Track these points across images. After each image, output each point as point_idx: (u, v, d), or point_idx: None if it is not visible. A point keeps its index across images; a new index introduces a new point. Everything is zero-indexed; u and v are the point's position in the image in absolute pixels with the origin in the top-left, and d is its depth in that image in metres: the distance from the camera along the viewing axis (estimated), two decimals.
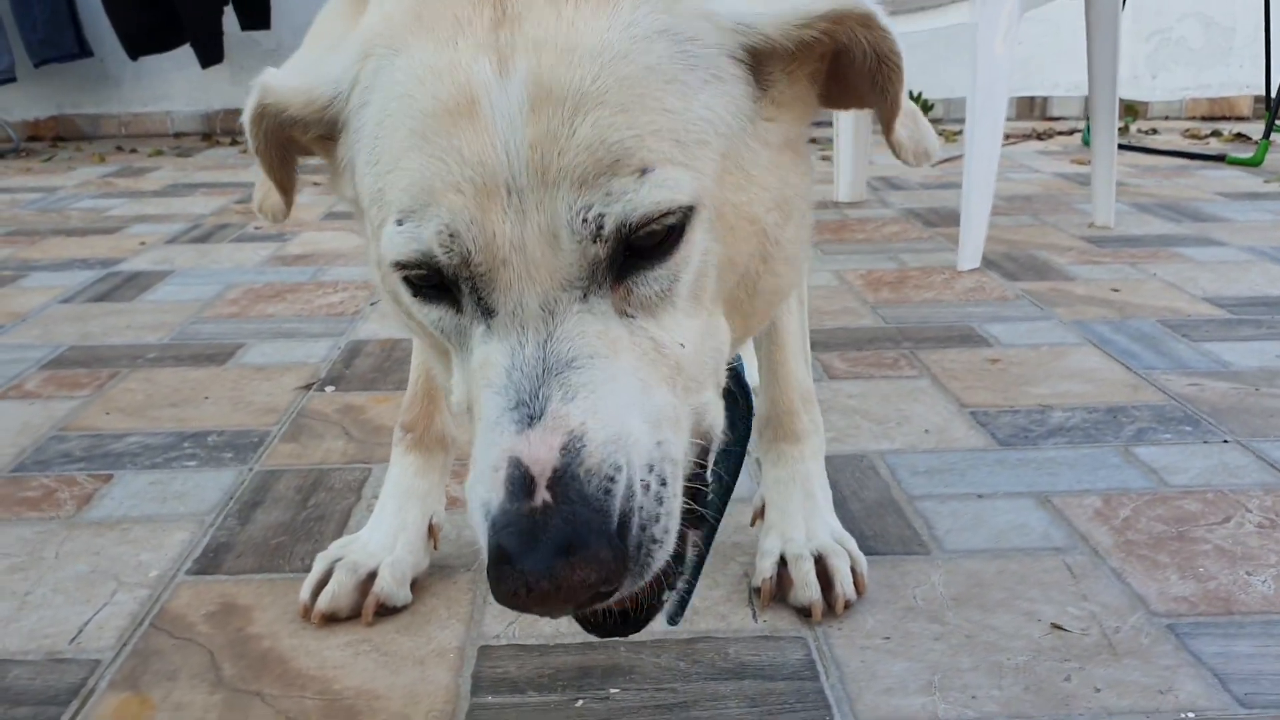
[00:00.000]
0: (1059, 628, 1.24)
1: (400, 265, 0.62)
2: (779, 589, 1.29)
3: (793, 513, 1.34)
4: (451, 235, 0.59)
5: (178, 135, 5.73)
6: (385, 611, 1.29)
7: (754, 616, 1.27)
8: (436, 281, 0.63)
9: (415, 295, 0.64)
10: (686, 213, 0.64)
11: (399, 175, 0.60)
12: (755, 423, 1.39)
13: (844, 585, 1.27)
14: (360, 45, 0.68)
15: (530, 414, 0.58)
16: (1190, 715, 1.09)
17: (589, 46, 0.59)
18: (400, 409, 1.40)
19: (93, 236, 3.37)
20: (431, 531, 1.37)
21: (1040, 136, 5.13)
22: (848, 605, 1.27)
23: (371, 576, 1.29)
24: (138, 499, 1.59)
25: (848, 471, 1.63)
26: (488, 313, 0.62)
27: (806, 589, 1.26)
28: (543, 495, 0.56)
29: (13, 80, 5.24)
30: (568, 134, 0.58)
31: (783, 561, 1.30)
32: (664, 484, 0.62)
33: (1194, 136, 5.02)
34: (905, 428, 1.79)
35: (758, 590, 1.30)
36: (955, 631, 1.23)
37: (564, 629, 1.25)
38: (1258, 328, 2.26)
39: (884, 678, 1.16)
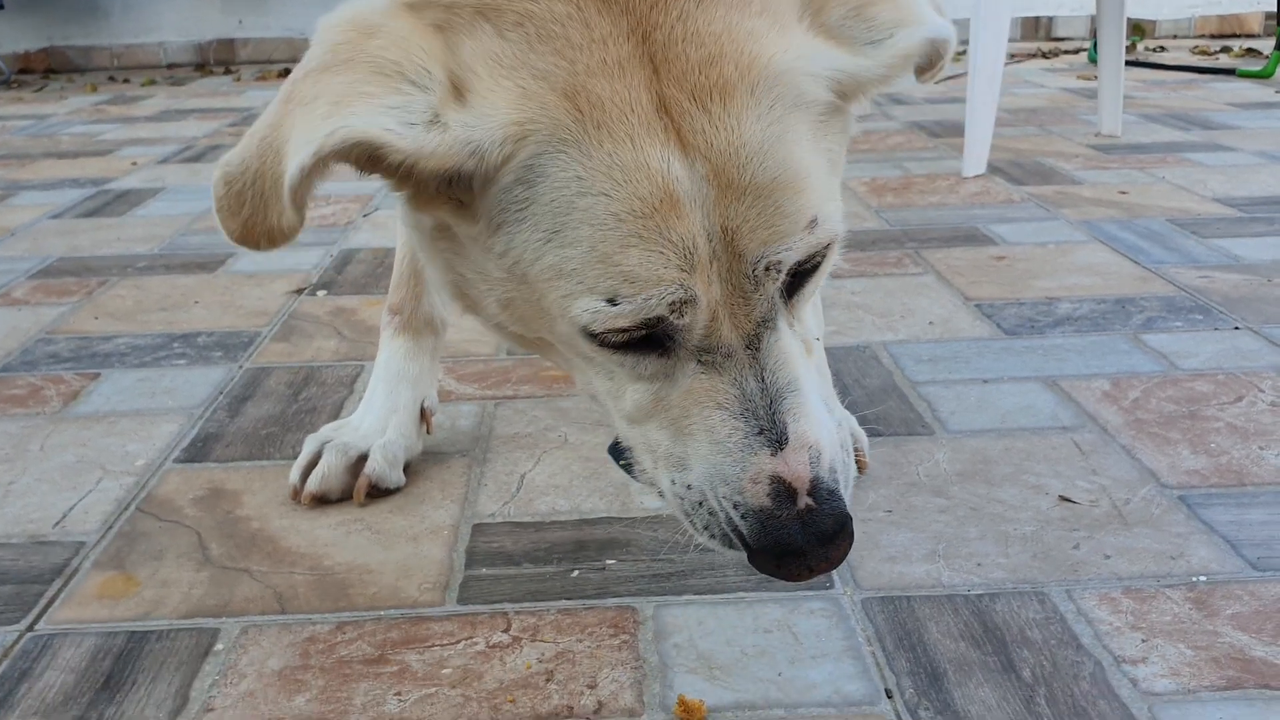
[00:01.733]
0: (1067, 499, 1.20)
1: (612, 331, 0.71)
2: None
3: None
4: (684, 303, 0.69)
5: (171, 66, 5.65)
6: (377, 493, 1.26)
7: None
8: (643, 337, 0.73)
9: (614, 349, 0.74)
10: (835, 238, 0.76)
11: (613, 264, 0.68)
12: None
13: (845, 474, 1.24)
14: (506, 120, 0.68)
15: (775, 438, 0.72)
16: (1202, 578, 1.06)
17: (749, 144, 0.69)
18: (388, 292, 1.37)
19: (84, 158, 3.32)
20: (424, 415, 1.33)
21: (1046, 55, 5.04)
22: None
23: (362, 459, 1.26)
24: (125, 394, 1.56)
25: (850, 361, 1.60)
26: (703, 351, 0.73)
27: None
28: (805, 500, 0.72)
29: (0, 9, 5.15)
30: (753, 216, 0.69)
31: None
32: (845, 449, 0.79)
33: (1203, 53, 4.93)
34: (909, 320, 1.76)
35: None
36: (960, 504, 1.20)
37: (560, 506, 1.22)
38: (1269, 224, 2.21)
39: (886, 547, 1.13)
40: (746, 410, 0.72)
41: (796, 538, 0.71)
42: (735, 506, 0.74)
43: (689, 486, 0.77)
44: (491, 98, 0.68)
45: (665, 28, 0.68)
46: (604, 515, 1.20)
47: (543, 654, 0.98)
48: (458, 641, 1.00)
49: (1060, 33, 5.63)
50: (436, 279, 0.86)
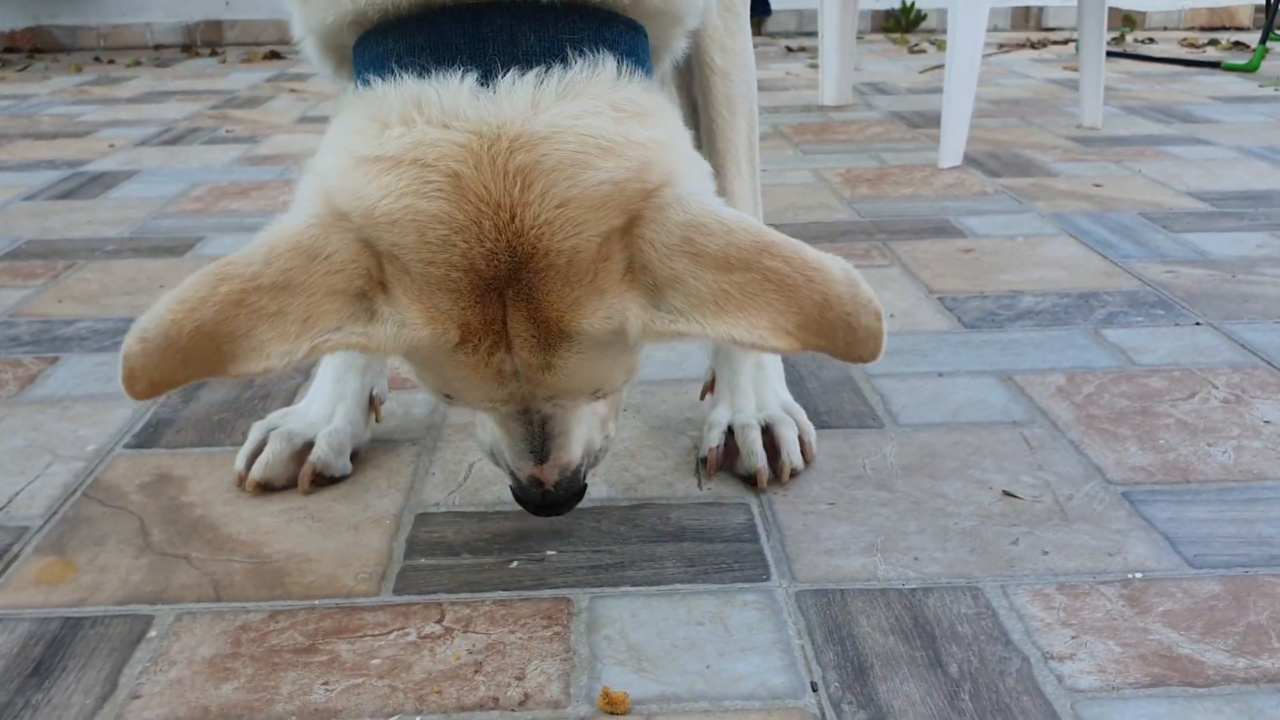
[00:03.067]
0: (1010, 495, 1.21)
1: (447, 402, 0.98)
2: (726, 458, 1.26)
3: (742, 384, 1.31)
4: (494, 409, 0.97)
5: (157, 47, 5.63)
6: (323, 481, 1.26)
7: (699, 485, 1.24)
8: None
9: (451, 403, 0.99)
10: (624, 386, 1.01)
11: (455, 391, 0.94)
12: None
13: (791, 453, 1.24)
14: (422, 334, 0.87)
15: (541, 457, 1.00)
16: (1138, 575, 1.06)
17: (556, 368, 0.91)
18: None
19: (62, 140, 3.31)
20: (373, 403, 1.33)
21: (1034, 45, 5.03)
22: (794, 474, 1.24)
23: (308, 446, 1.26)
24: (82, 379, 1.56)
25: (806, 353, 1.59)
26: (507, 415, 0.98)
27: (752, 457, 1.23)
28: (549, 489, 1.03)
29: None
30: (551, 390, 0.93)
31: (730, 431, 1.27)
32: (601, 452, 1.09)
33: (1191, 45, 4.92)
34: None
35: (704, 460, 1.27)
36: (902, 498, 1.20)
37: (506, 496, 1.22)
38: (1239, 220, 2.21)
39: (825, 540, 1.13)
40: (526, 439, 0.99)
41: (537, 501, 1.05)
42: (508, 468, 1.05)
43: (483, 441, 1.08)
44: (411, 313, 0.86)
45: (517, 289, 0.85)
46: None
47: (473, 645, 0.98)
48: (389, 632, 1.00)
49: (1050, 23, 5.62)
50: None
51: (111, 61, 5.19)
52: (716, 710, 0.89)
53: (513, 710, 0.90)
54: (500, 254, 0.83)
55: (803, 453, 1.26)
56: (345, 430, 1.28)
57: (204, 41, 5.63)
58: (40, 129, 3.50)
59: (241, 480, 1.25)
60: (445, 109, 0.83)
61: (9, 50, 5.50)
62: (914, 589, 1.05)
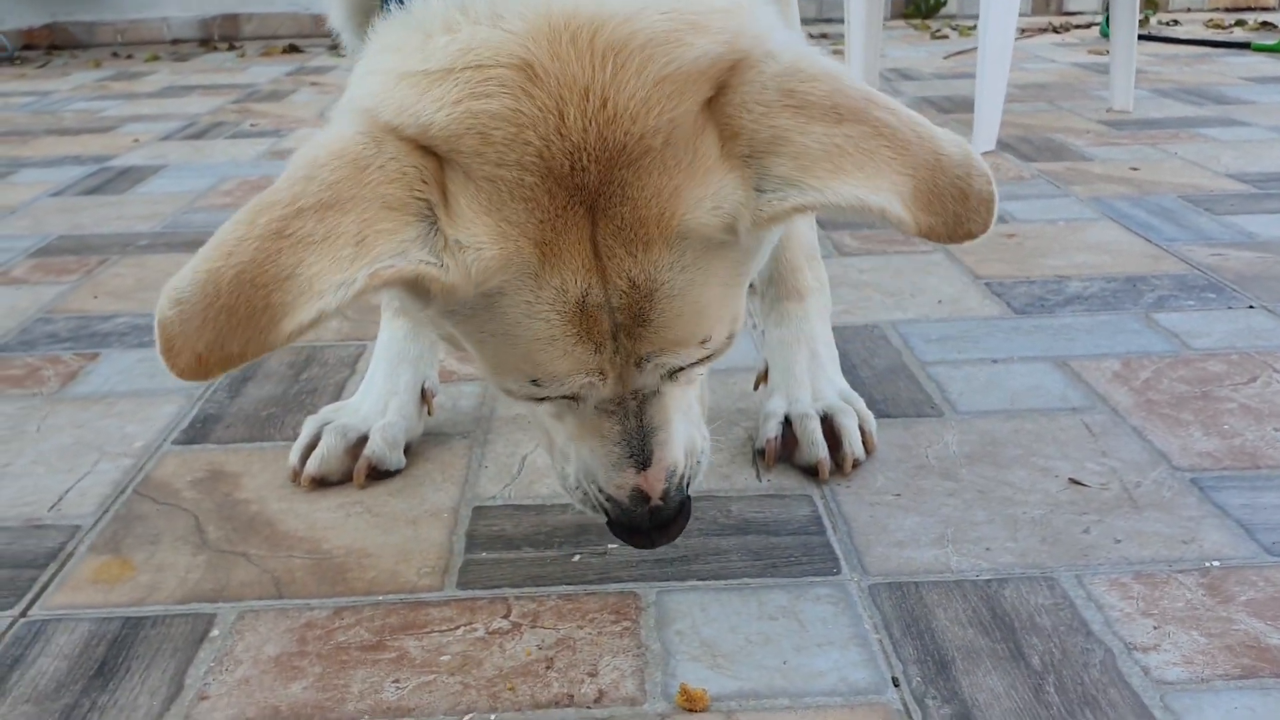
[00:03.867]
0: (1077, 483, 1.18)
1: (530, 399, 0.87)
2: (784, 450, 1.24)
3: (798, 373, 1.29)
4: (589, 388, 0.83)
5: (175, 42, 5.61)
6: (377, 475, 1.24)
7: (758, 477, 1.22)
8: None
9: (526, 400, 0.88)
10: (729, 342, 0.87)
11: (539, 364, 0.80)
12: (757, 285, 1.34)
13: (852, 443, 1.22)
14: (491, 255, 0.75)
15: (642, 461, 0.88)
16: (1215, 563, 1.04)
17: (658, 289, 0.78)
18: None
19: (86, 135, 3.30)
20: (425, 396, 1.32)
21: (1057, 30, 4.99)
22: (856, 464, 1.22)
23: (362, 440, 1.25)
24: (125, 375, 1.55)
25: (858, 341, 1.57)
26: (598, 403, 0.87)
27: (813, 448, 1.21)
28: (656, 502, 0.90)
29: None
30: (651, 334, 0.80)
31: (787, 422, 1.24)
32: (703, 454, 0.96)
33: (1217, 26, 4.87)
34: (918, 299, 1.73)
35: (761, 452, 1.25)
36: (968, 487, 1.18)
37: (560, 490, 1.20)
38: None
39: (894, 531, 1.11)
40: (623, 439, 0.88)
41: (643, 524, 0.91)
42: (602, 495, 0.92)
43: (567, 475, 0.95)
44: (476, 230, 0.74)
45: (607, 196, 0.74)
46: None
47: (543, 640, 0.96)
48: (457, 628, 0.99)
49: (1071, 7, 5.57)
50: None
51: (130, 57, 5.18)
52: (798, 707, 0.88)
53: (589, 708, 0.88)
54: (588, 150, 0.72)
55: (864, 443, 1.24)
56: (399, 424, 1.27)
57: (221, 36, 5.61)
58: (64, 125, 3.49)
59: (296, 476, 1.24)
60: (495, 5, 0.74)
61: (27, 47, 5.49)
62: (989, 580, 1.03)
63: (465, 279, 0.74)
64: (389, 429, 1.25)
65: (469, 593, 1.04)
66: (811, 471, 1.21)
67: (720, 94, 0.75)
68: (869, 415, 1.27)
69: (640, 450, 0.88)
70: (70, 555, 1.12)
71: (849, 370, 1.46)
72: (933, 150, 0.74)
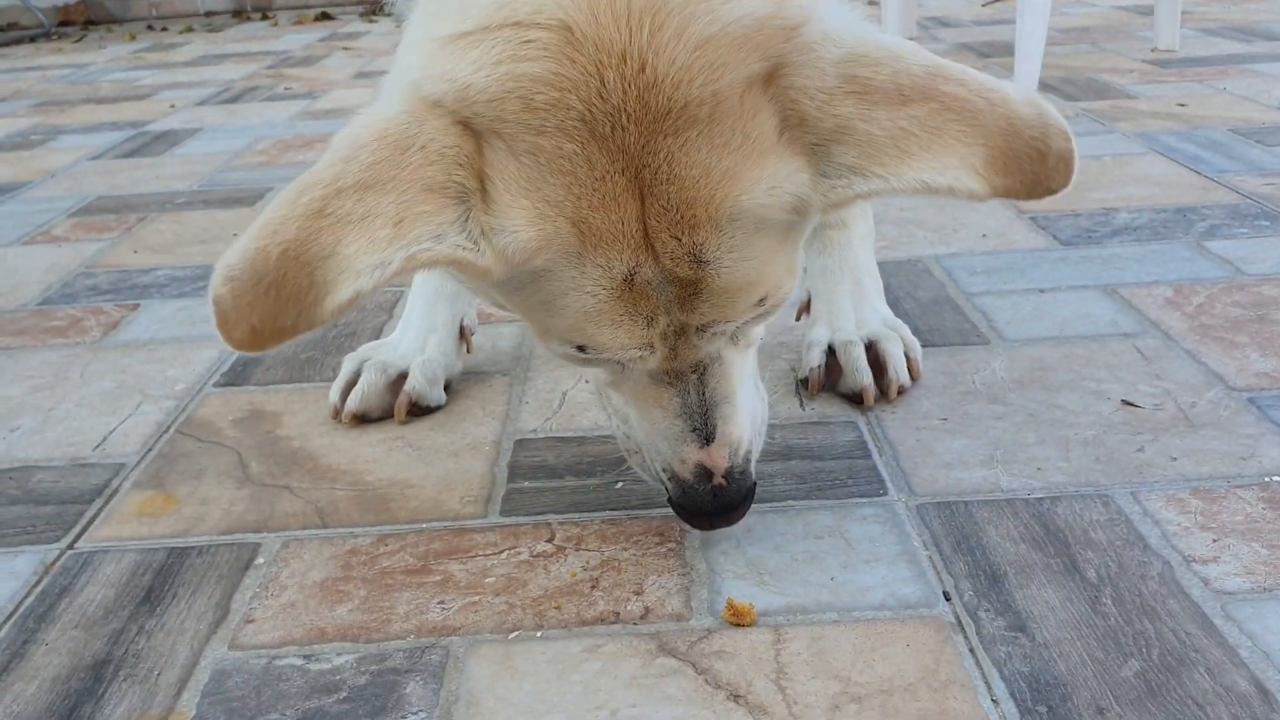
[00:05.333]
0: (1130, 404, 1.16)
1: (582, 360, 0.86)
2: (827, 379, 1.22)
3: (840, 302, 1.26)
4: (640, 359, 0.83)
5: (208, 14, 5.63)
6: (418, 411, 1.24)
7: (801, 405, 1.21)
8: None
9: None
10: (787, 297, 0.85)
11: (588, 334, 0.80)
12: None
13: (897, 369, 1.20)
14: (527, 238, 0.75)
15: (705, 435, 0.86)
16: (1275, 479, 1.01)
17: (711, 264, 0.77)
18: None
19: (122, 103, 3.32)
20: (463, 334, 1.31)
21: None
22: (901, 391, 1.20)
23: (402, 377, 1.24)
24: (165, 323, 1.55)
25: (902, 275, 1.55)
26: (653, 374, 0.86)
27: (857, 374, 1.19)
28: (719, 480, 0.87)
29: None
30: (706, 307, 0.79)
31: (831, 351, 1.22)
32: (763, 423, 0.94)
33: None
34: (962, 233, 1.70)
35: (804, 381, 1.23)
36: (1017, 411, 1.16)
37: (601, 421, 1.19)
38: None
39: (942, 454, 1.09)
40: (684, 413, 0.86)
41: (707, 505, 0.88)
42: (664, 470, 0.90)
43: (629, 437, 0.93)
44: (512, 213, 0.74)
45: (653, 168, 0.73)
46: None
47: (587, 562, 0.95)
48: (501, 551, 0.98)
49: None
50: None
51: (164, 29, 5.20)
52: (846, 621, 0.86)
53: (634, 623, 0.87)
54: (628, 113, 0.71)
55: (909, 370, 1.22)
56: (438, 360, 1.26)
57: (254, 6, 5.62)
58: (100, 94, 3.51)
59: (337, 413, 1.23)
60: None
61: (64, 23, 5.52)
62: (1040, 498, 1.00)
63: (501, 262, 0.75)
64: (428, 365, 1.25)
65: (512, 519, 1.03)
66: (856, 399, 1.19)
67: (776, 76, 0.74)
68: (914, 342, 1.24)
69: (703, 425, 0.86)
70: (115, 491, 1.12)
71: (893, 303, 1.43)
72: (1005, 115, 0.73)
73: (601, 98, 0.71)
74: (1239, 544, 0.92)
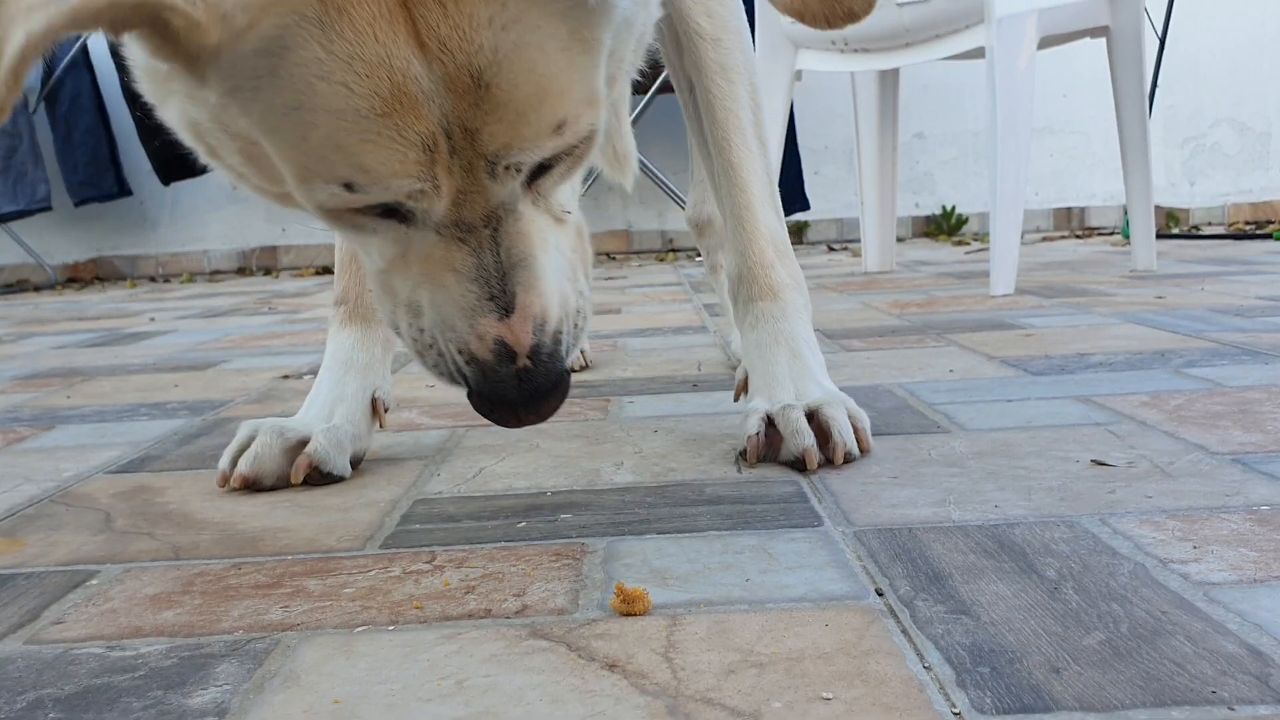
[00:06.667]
0: (1101, 463, 1.04)
1: (349, 210, 0.72)
2: (767, 448, 1.10)
3: (777, 373, 1.17)
4: (421, 193, 0.69)
5: (214, 272, 5.77)
6: (318, 479, 1.11)
7: (738, 470, 1.09)
8: (381, 211, 0.73)
9: (352, 217, 0.74)
10: (591, 134, 0.74)
11: (351, 156, 0.67)
12: (727, 287, 1.24)
13: (842, 433, 1.08)
14: None
15: (504, 305, 0.74)
16: (1266, 507, 0.88)
17: (484, 49, 0.65)
18: (333, 286, 1.26)
19: (105, 319, 3.32)
20: (376, 408, 1.20)
21: (1079, 236, 5.01)
22: (849, 459, 1.08)
23: (303, 443, 1.13)
24: (76, 437, 1.45)
25: (861, 394, 1.45)
26: (443, 226, 0.73)
27: (797, 436, 1.08)
28: (524, 362, 0.76)
29: (48, 209, 5.31)
30: (492, 121, 0.67)
31: (770, 421, 1.11)
32: (580, 315, 0.82)
33: (1238, 232, 4.87)
34: (928, 370, 1.62)
35: (743, 453, 1.12)
36: (976, 471, 1.04)
37: (518, 485, 1.07)
38: None
39: (888, 499, 0.96)
40: (480, 277, 0.74)
41: (511, 392, 0.77)
42: (460, 353, 0.77)
43: (422, 330, 0.79)
44: None
45: None
46: (566, 489, 1.05)
47: (466, 576, 0.82)
48: (369, 570, 0.84)
49: (1093, 222, 5.62)
50: (173, 120, 0.78)
51: (167, 280, 5.32)
52: (758, 611, 0.72)
53: (507, 618, 0.73)
54: None
55: (858, 441, 1.10)
56: (345, 429, 1.15)
57: (259, 265, 5.77)
58: (86, 314, 3.52)
59: (225, 480, 1.11)
60: None
61: (71, 280, 5.66)
62: (996, 524, 0.87)
63: (217, 21, 0.62)
64: (334, 431, 1.14)
65: (390, 550, 0.90)
66: (798, 466, 1.07)
67: None
68: (861, 413, 1.13)
69: (501, 291, 0.75)
70: None
71: None
72: None
73: None
74: (1225, 549, 0.79)
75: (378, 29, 0.63)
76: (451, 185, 0.70)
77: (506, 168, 0.71)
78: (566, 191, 0.82)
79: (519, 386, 0.76)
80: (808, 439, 1.07)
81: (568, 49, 0.69)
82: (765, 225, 1.21)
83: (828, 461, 1.07)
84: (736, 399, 1.24)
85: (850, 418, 1.11)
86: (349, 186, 0.68)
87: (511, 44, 0.66)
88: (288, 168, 0.70)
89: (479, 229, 0.73)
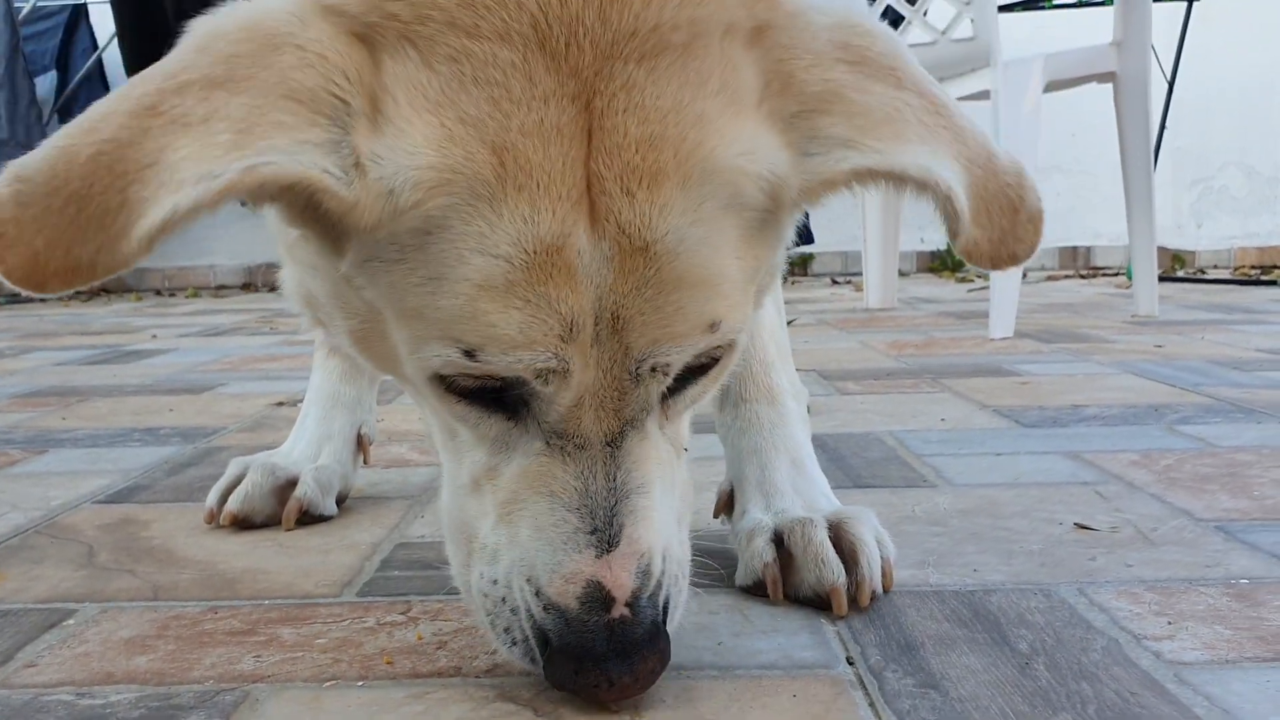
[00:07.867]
0: (1085, 527, 1.04)
1: (462, 376, 0.64)
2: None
3: (778, 481, 0.94)
4: (552, 372, 0.61)
5: (219, 287, 5.80)
6: (308, 521, 1.11)
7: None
8: (495, 390, 0.65)
9: (460, 396, 0.66)
10: (737, 341, 0.67)
11: (487, 321, 0.60)
12: (717, 398, 1.03)
13: (870, 565, 0.85)
14: (425, 164, 0.58)
15: (607, 540, 0.63)
16: (1244, 580, 0.88)
17: (665, 239, 0.60)
18: None
19: (108, 334, 3.33)
20: (361, 444, 1.21)
21: (1083, 276, 5.02)
22: (874, 598, 0.84)
23: (291, 483, 1.13)
24: (68, 462, 1.45)
25: (850, 443, 1.45)
26: (555, 435, 0.65)
27: (822, 568, 0.84)
28: (621, 610, 0.63)
29: None
30: (650, 310, 0.61)
31: (778, 539, 0.88)
32: (683, 574, 0.70)
33: (1244, 273, 4.88)
34: (920, 418, 1.62)
35: (748, 588, 0.88)
36: (958, 530, 1.04)
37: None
38: None
39: None
40: (582, 506, 0.65)
41: (601, 644, 0.64)
42: (537, 594, 0.65)
43: (495, 581, 0.68)
44: (410, 132, 0.58)
45: (608, 95, 0.59)
46: None
47: (439, 630, 0.82)
48: (344, 620, 0.84)
49: (1098, 262, 5.63)
50: (288, 283, 0.76)
51: (172, 295, 5.34)
52: (727, 678, 0.72)
53: (477, 677, 0.73)
54: (586, 28, 0.58)
55: (883, 571, 0.86)
56: (333, 469, 1.15)
57: (264, 282, 5.78)
58: (89, 328, 3.53)
59: (213, 517, 1.11)
60: None
61: (77, 292, 5.67)
62: (973, 590, 0.87)
63: (379, 202, 0.58)
64: (322, 472, 1.14)
65: (367, 599, 0.90)
66: (819, 603, 0.84)
67: (762, 36, 0.63)
68: (887, 537, 0.89)
69: (606, 523, 0.64)
70: None
71: (837, 460, 1.33)
72: (988, 151, 0.65)
73: (562, 2, 0.58)
74: (1199, 626, 0.79)
75: (554, 208, 0.59)
76: (584, 378, 0.62)
77: (654, 368, 0.63)
78: (687, 422, 0.74)
79: (609, 639, 0.63)
80: (834, 571, 0.84)
81: (740, 257, 0.64)
82: (770, 324, 1.03)
83: (852, 601, 0.83)
84: (717, 516, 1.00)
85: (876, 536, 0.88)
86: (470, 354, 0.61)
87: (696, 238, 0.61)
88: (405, 334, 0.63)
89: (594, 446, 0.65)
